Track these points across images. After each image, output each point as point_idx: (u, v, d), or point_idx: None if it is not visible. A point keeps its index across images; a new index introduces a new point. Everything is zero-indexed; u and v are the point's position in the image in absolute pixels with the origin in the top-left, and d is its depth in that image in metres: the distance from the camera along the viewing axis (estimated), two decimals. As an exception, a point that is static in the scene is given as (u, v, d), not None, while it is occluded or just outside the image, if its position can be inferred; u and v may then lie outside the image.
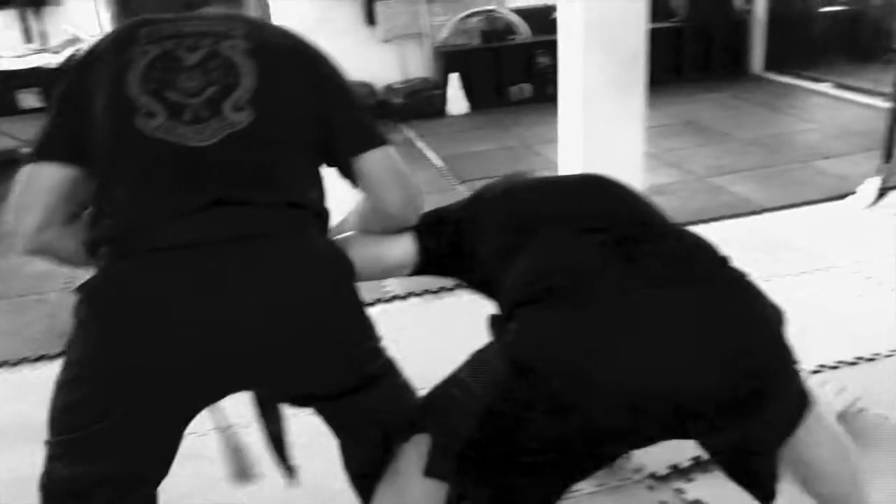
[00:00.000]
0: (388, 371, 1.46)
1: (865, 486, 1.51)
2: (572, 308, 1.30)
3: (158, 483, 1.38)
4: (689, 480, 2.06)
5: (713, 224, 3.79)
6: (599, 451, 1.35)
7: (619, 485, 2.07)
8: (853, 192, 3.98)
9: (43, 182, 1.37)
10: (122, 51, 1.37)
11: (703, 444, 1.44)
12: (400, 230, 1.58)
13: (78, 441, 1.29)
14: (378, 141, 1.47)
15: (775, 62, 7.10)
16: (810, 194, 4.11)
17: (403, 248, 1.62)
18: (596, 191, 1.60)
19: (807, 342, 2.64)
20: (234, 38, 1.39)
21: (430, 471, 1.36)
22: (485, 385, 1.33)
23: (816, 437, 1.41)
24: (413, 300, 3.22)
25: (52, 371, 2.88)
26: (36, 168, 1.38)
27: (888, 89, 3.90)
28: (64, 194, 1.37)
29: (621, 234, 1.41)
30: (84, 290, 1.27)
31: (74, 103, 1.38)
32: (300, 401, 1.47)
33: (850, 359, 2.57)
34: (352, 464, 1.53)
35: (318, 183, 1.45)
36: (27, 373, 2.89)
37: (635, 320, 1.27)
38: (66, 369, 1.31)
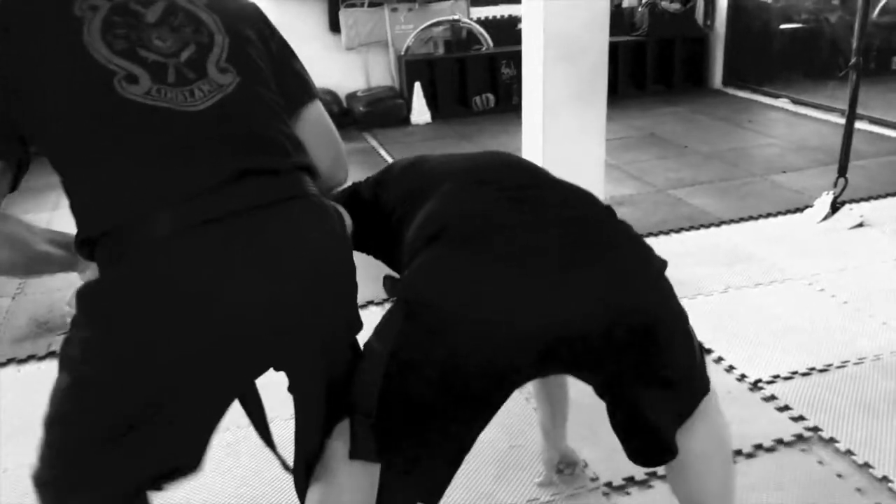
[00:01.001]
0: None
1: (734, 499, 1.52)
2: (460, 245, 1.33)
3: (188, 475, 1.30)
4: (647, 488, 2.07)
5: (673, 235, 3.84)
6: (492, 386, 1.33)
7: (575, 493, 2.08)
8: (809, 206, 4.05)
9: None
10: (59, 10, 1.20)
11: (596, 391, 1.42)
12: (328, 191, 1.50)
13: (121, 438, 1.18)
14: (314, 94, 1.43)
15: (735, 77, 7.23)
16: (768, 207, 4.18)
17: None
18: (494, 157, 1.66)
19: (762, 352, 2.71)
20: None
21: (355, 453, 1.34)
22: (385, 339, 1.33)
23: (697, 427, 1.42)
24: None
25: (1, 378, 2.81)
26: None
27: (843, 106, 3.98)
28: None
29: (510, 182, 1.47)
30: (122, 281, 1.14)
31: (3, 84, 1.19)
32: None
33: (803, 369, 2.61)
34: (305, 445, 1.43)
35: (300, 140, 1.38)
36: (-25, 380, 2.82)
37: (519, 255, 1.29)
38: (95, 368, 1.18)
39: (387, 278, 1.39)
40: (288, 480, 1.49)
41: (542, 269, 1.28)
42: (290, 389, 1.36)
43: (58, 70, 1.18)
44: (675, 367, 1.38)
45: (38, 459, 1.24)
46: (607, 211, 1.43)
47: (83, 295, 1.19)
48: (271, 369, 1.30)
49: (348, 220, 1.37)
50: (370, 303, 3.07)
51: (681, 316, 1.40)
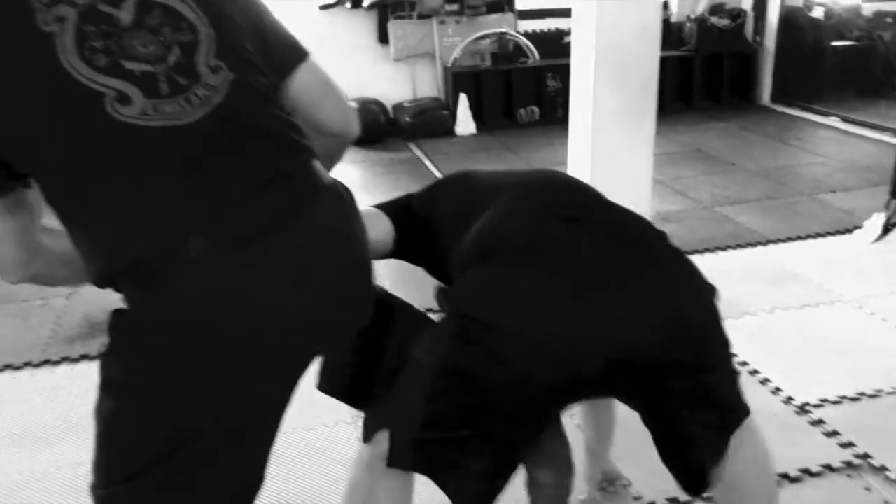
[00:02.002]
0: None
1: None
2: (514, 262, 1.34)
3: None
4: (689, 510, 2.06)
5: (719, 253, 3.80)
6: (538, 406, 1.33)
7: (619, 512, 2.07)
8: (859, 227, 3.99)
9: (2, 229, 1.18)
10: (18, 26, 1.04)
11: (644, 417, 1.42)
12: (337, 152, 1.46)
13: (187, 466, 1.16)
14: (304, 53, 1.31)
15: (784, 94, 7.13)
16: (816, 227, 4.12)
17: (382, 228, 1.66)
18: (545, 174, 1.68)
19: (809, 375, 2.67)
20: None
21: (392, 461, 1.35)
22: (433, 351, 1.34)
23: (739, 451, 1.41)
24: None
25: (54, 377, 2.90)
26: None
27: (896, 125, 3.91)
28: (25, 225, 1.20)
29: (565, 201, 1.48)
30: (165, 308, 1.11)
31: None
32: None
33: (852, 394, 2.57)
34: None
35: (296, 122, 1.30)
36: (29, 377, 2.89)
37: (574, 273, 1.30)
38: (146, 393, 1.15)
39: (440, 290, 1.40)
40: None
41: (594, 288, 1.29)
42: None
43: (34, 98, 1.05)
44: (719, 392, 1.38)
45: (92, 472, 1.22)
46: (659, 234, 1.44)
47: (121, 327, 1.16)
48: None
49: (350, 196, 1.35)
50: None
51: (726, 344, 1.40)
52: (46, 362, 2.99)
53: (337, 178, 1.34)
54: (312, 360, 1.30)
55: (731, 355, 1.42)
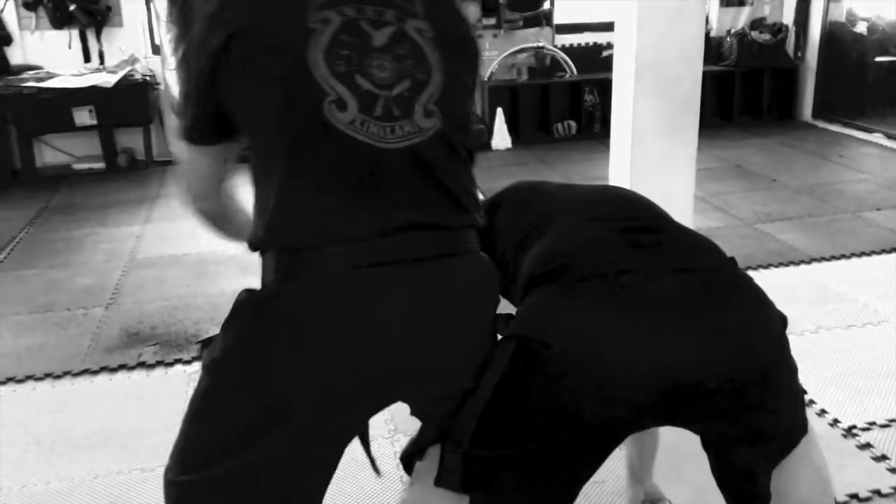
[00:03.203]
0: None
1: None
2: (578, 286, 1.30)
3: None
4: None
5: (761, 271, 3.74)
6: (598, 435, 1.29)
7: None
8: (906, 246, 3.90)
9: (203, 167, 1.34)
10: (292, 15, 1.19)
11: (703, 441, 1.39)
12: None
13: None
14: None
15: (825, 110, 7.03)
16: (860, 245, 4.04)
17: None
18: (610, 191, 1.66)
19: (856, 397, 2.61)
20: (417, 18, 1.25)
21: (440, 481, 1.32)
22: (489, 375, 1.30)
23: (798, 470, 1.36)
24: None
25: (93, 386, 2.93)
26: (192, 153, 1.32)
27: (944, 143, 3.83)
28: (218, 172, 1.36)
29: (633, 224, 1.44)
30: (271, 303, 1.20)
31: (225, 79, 1.20)
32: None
33: (901, 418, 2.50)
34: None
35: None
36: (68, 386, 2.92)
37: (643, 300, 1.27)
38: (234, 384, 1.21)
39: (499, 316, 1.38)
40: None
41: (662, 315, 1.25)
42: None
43: (275, 79, 1.19)
44: (781, 421, 1.34)
45: (170, 457, 1.26)
46: (730, 260, 1.40)
47: (247, 301, 1.22)
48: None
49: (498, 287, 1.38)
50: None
51: (794, 372, 1.36)
52: (86, 371, 3.01)
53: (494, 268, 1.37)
54: (391, 398, 1.30)
55: (798, 381, 1.38)
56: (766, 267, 3.80)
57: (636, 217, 1.49)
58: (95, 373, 3.00)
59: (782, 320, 1.35)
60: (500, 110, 6.50)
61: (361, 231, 1.18)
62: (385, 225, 1.19)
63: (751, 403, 1.28)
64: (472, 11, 6.45)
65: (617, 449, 1.37)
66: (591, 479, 1.37)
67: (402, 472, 1.56)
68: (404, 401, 1.34)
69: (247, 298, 1.23)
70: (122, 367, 3.02)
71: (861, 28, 6.85)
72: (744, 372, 1.26)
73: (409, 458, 1.44)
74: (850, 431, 2.44)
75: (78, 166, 6.05)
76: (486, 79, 6.66)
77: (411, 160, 1.21)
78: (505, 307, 1.46)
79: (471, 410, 1.30)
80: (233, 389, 1.20)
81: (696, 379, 1.24)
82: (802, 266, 3.82)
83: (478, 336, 1.30)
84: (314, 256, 1.18)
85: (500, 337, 1.39)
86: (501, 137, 6.51)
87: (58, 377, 2.98)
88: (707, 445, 1.37)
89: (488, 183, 5.45)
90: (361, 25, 1.21)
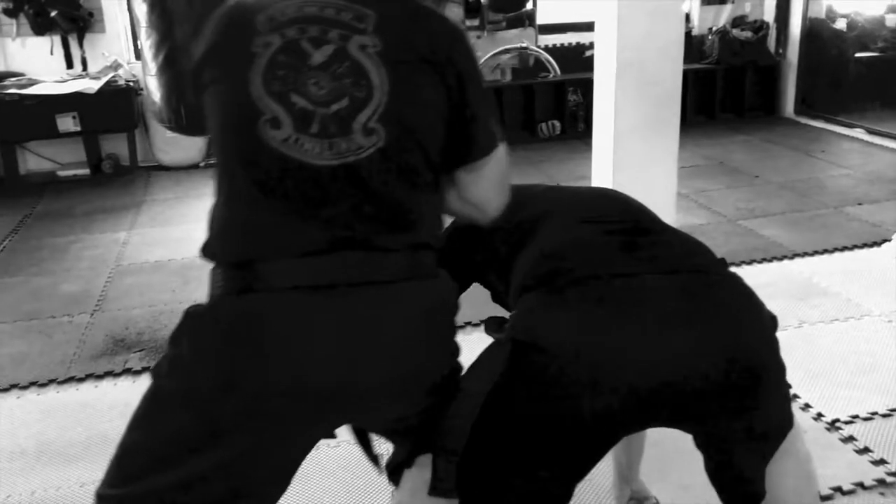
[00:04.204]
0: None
1: None
2: (575, 289, 1.31)
3: None
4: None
5: (744, 267, 3.76)
6: (593, 436, 1.30)
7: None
8: (887, 240, 3.93)
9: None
10: (241, 42, 1.24)
11: (696, 441, 1.40)
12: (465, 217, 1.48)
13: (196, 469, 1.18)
14: (497, 140, 1.36)
15: (807, 106, 7.08)
16: (843, 240, 4.07)
17: None
18: (599, 193, 1.66)
19: (839, 391, 2.63)
20: (364, 34, 1.23)
21: (434, 489, 1.32)
22: (484, 379, 1.31)
23: (784, 463, 1.38)
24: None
25: (79, 393, 2.91)
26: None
27: (924, 137, 3.87)
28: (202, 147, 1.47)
29: (624, 226, 1.45)
30: (206, 318, 1.21)
31: (195, 92, 1.34)
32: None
33: (883, 410, 2.52)
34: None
35: (440, 211, 1.36)
36: (53, 395, 2.90)
37: (637, 302, 1.27)
38: (167, 395, 1.21)
39: (490, 320, 1.39)
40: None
41: (655, 317, 1.26)
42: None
43: (224, 100, 1.26)
44: (771, 420, 1.35)
45: (105, 472, 1.24)
46: (720, 262, 1.41)
47: (193, 315, 1.23)
48: None
49: (456, 306, 1.35)
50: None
51: (783, 371, 1.37)
52: (71, 379, 3.00)
53: (448, 279, 1.33)
54: (329, 425, 1.29)
55: (785, 379, 1.40)
56: (750, 263, 3.83)
57: (627, 219, 1.50)
58: (81, 380, 2.99)
59: (773, 321, 1.36)
60: (484, 111, 6.50)
61: (296, 248, 1.18)
62: (321, 240, 1.19)
63: (744, 404, 1.29)
64: (454, 13, 6.46)
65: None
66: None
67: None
68: (353, 424, 1.34)
69: (193, 312, 1.23)
70: (108, 374, 3.01)
71: (841, 24, 6.90)
72: (737, 373, 1.27)
73: (395, 470, 1.44)
74: (833, 425, 2.46)
75: (62, 173, 6.02)
76: (470, 80, 6.67)
77: (347, 178, 1.20)
78: (496, 310, 1.48)
79: (463, 416, 1.30)
80: (171, 404, 1.19)
81: (691, 381, 1.24)
82: (785, 261, 3.85)
83: (418, 362, 1.26)
84: (252, 273, 1.18)
85: (491, 340, 1.40)
86: (486, 138, 6.52)
87: (43, 385, 2.96)
88: (700, 445, 1.39)
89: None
90: (301, 45, 1.23)
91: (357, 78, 1.22)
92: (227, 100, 1.25)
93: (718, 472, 1.39)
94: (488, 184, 1.38)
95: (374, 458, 1.47)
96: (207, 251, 1.26)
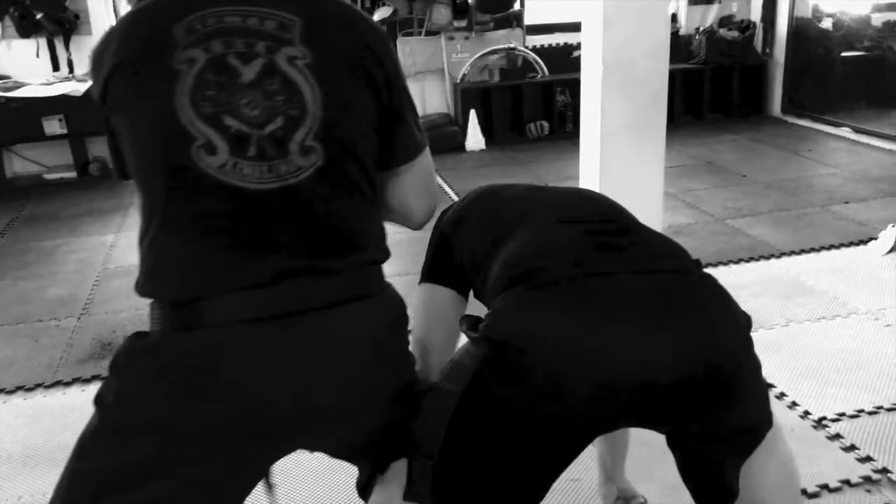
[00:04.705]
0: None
1: None
2: (551, 289, 1.30)
3: None
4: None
5: (732, 266, 3.78)
6: (568, 438, 1.30)
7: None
8: (874, 238, 3.95)
9: None
10: (159, 58, 1.14)
11: (669, 440, 1.40)
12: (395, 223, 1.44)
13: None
14: (424, 144, 1.34)
15: (794, 105, 7.11)
16: (829, 239, 4.09)
17: (452, 299, 1.64)
18: (578, 194, 1.65)
19: (826, 389, 2.64)
20: (292, 45, 1.17)
21: (409, 495, 1.32)
22: (458, 379, 1.30)
23: (764, 464, 1.38)
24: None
25: (66, 398, 2.90)
26: None
27: (909, 136, 3.89)
28: None
29: (601, 227, 1.45)
30: (152, 353, 1.16)
31: (111, 123, 1.22)
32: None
33: (869, 408, 2.54)
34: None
35: (382, 222, 1.34)
36: (40, 399, 2.89)
37: (613, 302, 1.27)
38: (116, 426, 1.17)
39: (465, 317, 1.38)
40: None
41: (630, 317, 1.25)
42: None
43: (144, 124, 1.16)
44: (747, 419, 1.36)
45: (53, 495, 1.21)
46: (695, 263, 1.41)
47: (139, 349, 1.18)
48: None
49: (406, 319, 1.35)
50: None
51: (759, 370, 1.38)
52: (58, 383, 2.99)
53: (395, 293, 1.32)
54: (285, 450, 1.26)
55: (763, 379, 1.40)
56: (737, 262, 3.84)
57: (605, 219, 1.50)
58: (68, 384, 2.98)
59: (747, 321, 1.36)
60: (472, 112, 6.51)
61: (242, 280, 1.14)
62: (265, 272, 1.14)
63: (718, 404, 1.30)
64: (442, 14, 6.47)
65: (590, 445, 1.38)
66: (567, 477, 1.38)
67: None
68: (310, 449, 1.32)
69: (134, 345, 1.18)
70: (96, 378, 2.99)
71: (827, 24, 6.94)
72: (712, 372, 1.27)
73: (366, 486, 1.43)
74: (820, 423, 2.47)
75: (49, 176, 6.00)
76: (458, 81, 6.68)
77: (289, 201, 1.15)
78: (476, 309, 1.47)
79: (438, 421, 1.30)
80: (123, 436, 1.15)
81: (666, 380, 1.24)
82: (773, 260, 3.86)
83: (372, 380, 1.25)
84: (197, 310, 1.13)
85: (465, 338, 1.40)
86: (475, 139, 6.53)
87: (29, 390, 2.95)
88: (674, 445, 1.39)
89: (462, 184, 5.49)
90: (229, 61, 1.14)
91: (289, 95, 1.15)
92: (152, 125, 1.15)
93: (692, 472, 1.39)
94: (411, 190, 1.36)
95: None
96: (145, 291, 1.20)
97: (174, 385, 1.14)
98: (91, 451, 1.18)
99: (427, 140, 1.36)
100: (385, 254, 1.32)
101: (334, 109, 1.18)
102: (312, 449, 1.35)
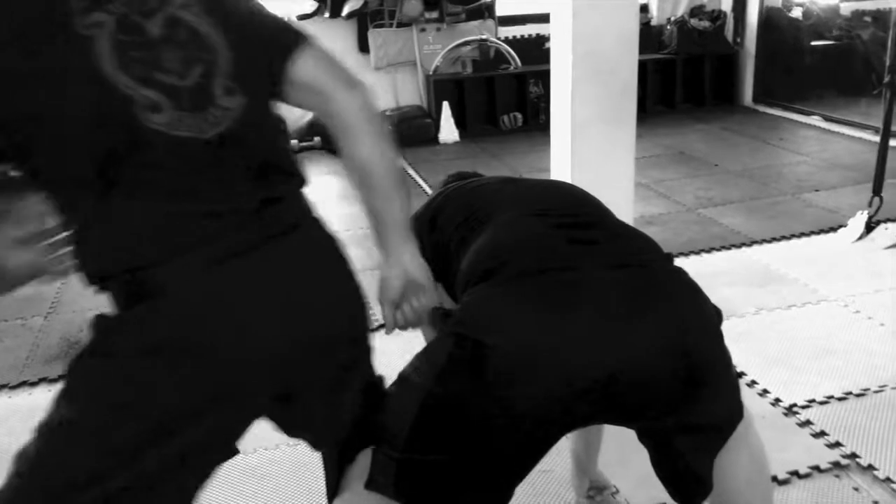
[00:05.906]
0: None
1: None
2: (518, 283, 1.30)
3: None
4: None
5: (703, 255, 3.79)
6: (534, 434, 1.29)
7: (607, 521, 2.04)
8: (843, 226, 3.99)
9: None
10: (55, 26, 1.08)
11: (640, 434, 1.41)
12: (365, 121, 1.38)
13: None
14: (302, 39, 1.28)
15: (765, 95, 7.16)
16: (800, 227, 4.12)
17: None
18: (550, 186, 1.66)
19: (796, 376, 2.66)
20: None
21: (371, 483, 1.31)
22: (425, 373, 1.30)
23: (735, 454, 1.39)
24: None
25: (32, 398, 2.85)
26: None
27: (878, 123, 3.92)
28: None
29: (573, 220, 1.45)
30: (153, 317, 1.15)
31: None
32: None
33: (839, 394, 2.55)
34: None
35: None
36: (6, 400, 2.84)
37: (581, 297, 1.27)
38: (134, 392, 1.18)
39: (435, 310, 1.37)
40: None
41: (600, 311, 1.25)
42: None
43: (63, 95, 1.09)
44: (719, 411, 1.36)
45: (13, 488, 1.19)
46: (666, 257, 1.41)
47: (107, 328, 1.19)
48: None
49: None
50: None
51: (730, 363, 1.38)
52: (24, 384, 2.94)
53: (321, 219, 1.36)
54: (271, 388, 1.27)
55: (734, 372, 1.40)
56: (709, 251, 3.86)
57: (577, 213, 1.49)
58: (34, 384, 2.93)
59: (717, 314, 1.36)
60: (445, 104, 6.49)
61: (211, 228, 1.17)
62: (233, 213, 1.18)
63: (688, 397, 1.29)
64: (413, 5, 6.43)
65: (563, 438, 1.37)
66: (539, 468, 1.37)
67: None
68: (294, 390, 1.30)
69: (101, 323, 1.20)
70: (63, 377, 2.94)
71: (797, 13, 6.99)
72: (681, 367, 1.27)
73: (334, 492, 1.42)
74: (790, 409, 2.49)
75: (15, 172, 5.89)
76: (430, 73, 6.65)
77: (232, 142, 1.18)
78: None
79: (404, 413, 1.28)
80: (111, 414, 1.17)
81: (635, 375, 1.24)
82: (744, 248, 3.88)
83: (340, 298, 1.32)
84: (161, 270, 1.14)
85: (437, 332, 1.38)
86: (448, 131, 6.51)
87: (-5, 390, 2.90)
88: (646, 439, 1.38)
89: (436, 177, 5.45)
90: (133, 19, 1.12)
91: (199, 43, 1.16)
92: (77, 96, 1.09)
93: (664, 466, 1.39)
94: (318, 69, 1.30)
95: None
96: (95, 270, 1.18)
97: (144, 359, 1.15)
98: (64, 438, 1.21)
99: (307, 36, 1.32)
100: (305, 178, 1.35)
101: (236, 47, 1.19)
102: (298, 387, 1.32)
